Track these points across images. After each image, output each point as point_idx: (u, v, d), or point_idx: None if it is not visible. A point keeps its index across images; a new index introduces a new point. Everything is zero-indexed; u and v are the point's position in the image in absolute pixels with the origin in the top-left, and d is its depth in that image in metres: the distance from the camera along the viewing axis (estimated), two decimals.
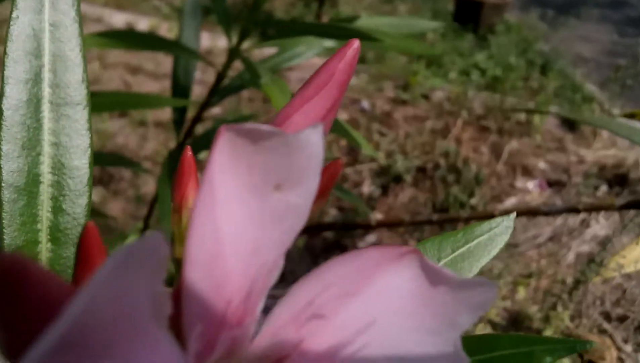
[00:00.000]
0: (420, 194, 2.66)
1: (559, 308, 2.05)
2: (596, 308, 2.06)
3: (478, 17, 4.06)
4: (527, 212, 1.15)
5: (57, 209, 0.32)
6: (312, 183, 0.19)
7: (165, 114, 2.80)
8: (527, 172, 2.76)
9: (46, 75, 0.33)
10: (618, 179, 2.67)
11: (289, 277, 1.56)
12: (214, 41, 3.23)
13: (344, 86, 0.26)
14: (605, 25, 4.85)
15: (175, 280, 0.21)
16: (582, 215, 2.44)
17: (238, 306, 0.18)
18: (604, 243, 2.28)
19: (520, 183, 2.71)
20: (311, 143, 0.18)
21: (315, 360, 0.19)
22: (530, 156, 2.84)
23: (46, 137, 0.32)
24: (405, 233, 2.35)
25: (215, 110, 2.82)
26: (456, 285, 0.20)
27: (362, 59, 3.41)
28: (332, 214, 2.52)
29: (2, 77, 0.32)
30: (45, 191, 0.32)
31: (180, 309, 0.17)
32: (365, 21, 0.96)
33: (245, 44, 0.89)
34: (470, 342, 0.35)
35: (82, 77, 0.33)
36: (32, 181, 0.31)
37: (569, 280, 2.15)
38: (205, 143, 0.91)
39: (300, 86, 0.27)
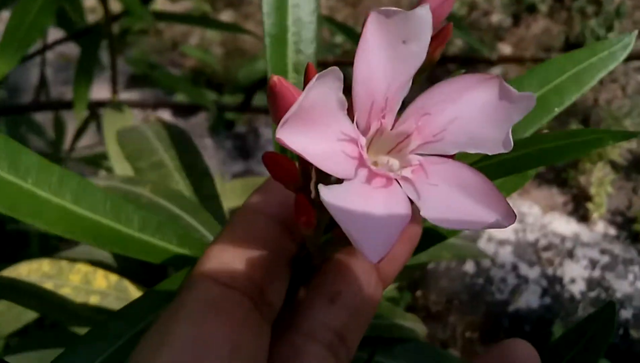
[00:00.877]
0: (554, 26, 2.34)
1: None
2: None
3: None
4: None
5: (297, 50, 0.48)
6: (424, 39, 0.33)
7: None
8: None
9: None
10: None
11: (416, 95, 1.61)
12: None
13: None
14: None
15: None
16: None
17: (382, 106, 0.33)
18: None
19: None
20: (422, 15, 0.32)
21: (425, 136, 0.34)
22: None
23: (289, 1, 0.49)
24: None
25: None
26: (515, 96, 0.33)
27: None
28: (458, 45, 2.37)
29: None
30: (290, 38, 0.49)
31: (352, 107, 0.32)
32: None
33: None
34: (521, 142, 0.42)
35: None
36: (282, 31, 0.48)
37: None
38: None
39: None
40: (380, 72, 0.33)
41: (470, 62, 1.56)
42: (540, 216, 2.12)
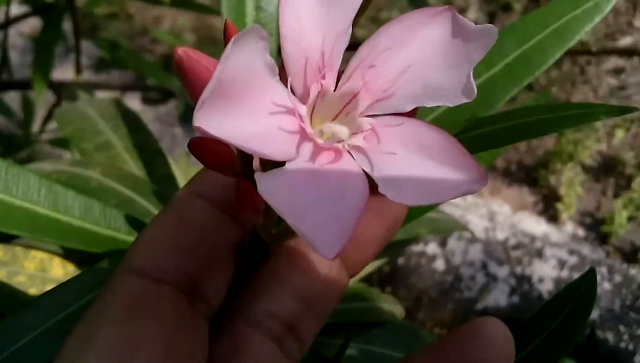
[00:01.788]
0: None
1: None
2: None
3: None
4: None
5: (257, 7, 0.44)
6: None
7: None
8: None
9: None
10: None
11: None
12: None
13: None
14: None
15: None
16: None
17: (320, 64, 0.28)
18: None
19: (639, 22, 2.28)
20: None
21: (374, 93, 0.29)
22: None
23: None
24: None
25: None
26: (474, 32, 0.29)
27: None
28: None
29: None
30: None
31: (284, 70, 0.27)
32: None
33: None
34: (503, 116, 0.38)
35: None
36: None
37: None
38: None
39: None
40: (313, 22, 0.28)
41: None
42: (511, 215, 2.10)
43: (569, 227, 2.06)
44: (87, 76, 2.18)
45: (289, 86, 0.27)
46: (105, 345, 0.28)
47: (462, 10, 2.62)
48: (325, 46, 0.28)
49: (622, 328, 1.76)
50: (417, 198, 0.26)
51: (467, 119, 0.36)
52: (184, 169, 0.81)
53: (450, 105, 0.28)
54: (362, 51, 0.29)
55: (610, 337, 1.76)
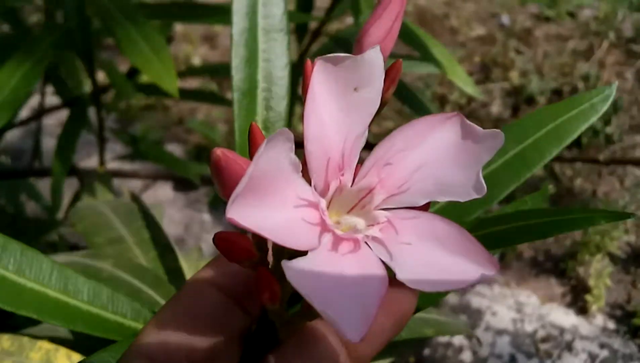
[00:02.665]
0: None
1: None
2: None
3: None
4: None
5: (268, 107, 0.47)
6: (377, 83, 0.31)
7: None
8: None
9: (259, 8, 0.47)
10: None
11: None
12: None
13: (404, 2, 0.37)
14: None
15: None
16: None
17: (339, 162, 0.31)
18: None
19: None
20: (372, 59, 0.31)
21: (389, 189, 0.32)
22: None
23: (260, 55, 0.47)
24: None
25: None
26: (482, 135, 0.32)
27: None
28: None
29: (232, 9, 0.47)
30: (260, 94, 0.47)
31: (306, 167, 0.30)
32: None
33: None
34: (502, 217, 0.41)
35: (284, 10, 0.48)
36: (252, 86, 0.47)
37: None
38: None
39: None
40: (334, 125, 0.31)
41: None
42: (539, 306, 2.07)
43: (599, 320, 2.02)
44: (120, 164, 2.25)
45: (312, 182, 0.30)
46: None
47: (485, 105, 2.67)
48: (345, 147, 0.31)
49: None
50: (432, 285, 0.28)
51: (470, 220, 0.39)
52: (194, 263, 0.83)
53: (462, 201, 0.31)
54: (378, 150, 0.32)
55: None
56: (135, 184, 2.31)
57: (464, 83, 0.96)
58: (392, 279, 0.28)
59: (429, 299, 0.43)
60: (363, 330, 0.25)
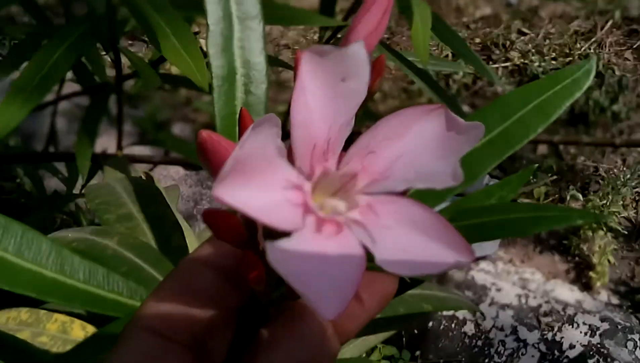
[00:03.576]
0: None
1: None
2: None
3: None
4: None
5: (247, 91, 0.48)
6: (363, 75, 0.32)
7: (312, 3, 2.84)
8: None
9: None
10: None
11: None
12: None
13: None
14: None
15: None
16: None
17: (324, 148, 0.32)
18: None
19: None
20: (357, 51, 0.32)
21: (372, 175, 0.33)
22: None
23: (236, 43, 0.49)
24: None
25: None
26: (463, 127, 0.33)
27: None
28: (465, 110, 2.43)
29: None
30: (239, 79, 0.48)
31: (292, 152, 0.32)
32: None
33: None
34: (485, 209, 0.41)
35: None
36: (230, 72, 0.48)
37: None
38: None
39: None
40: (320, 114, 0.32)
41: None
42: (543, 282, 2.09)
43: (603, 296, 2.04)
44: (131, 147, 2.27)
45: (297, 166, 0.31)
46: None
47: (492, 84, 2.67)
48: (330, 134, 0.32)
49: None
50: (408, 269, 0.29)
51: (454, 209, 0.40)
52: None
53: (439, 188, 0.32)
54: (363, 138, 0.34)
55: None
56: (147, 164, 2.34)
57: None
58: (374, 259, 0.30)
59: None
60: (339, 309, 0.26)
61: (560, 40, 2.73)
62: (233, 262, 0.36)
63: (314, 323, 0.35)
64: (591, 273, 2.04)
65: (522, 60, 2.67)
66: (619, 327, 1.90)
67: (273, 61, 1.33)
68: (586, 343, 1.88)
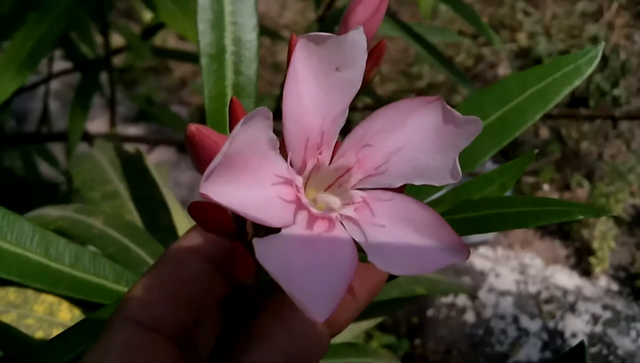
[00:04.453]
0: None
1: None
2: None
3: None
4: None
5: (237, 71, 0.46)
6: (359, 65, 0.31)
7: None
8: None
9: None
10: None
11: None
12: None
13: None
14: None
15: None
16: None
17: (318, 141, 0.31)
18: None
19: None
20: (355, 40, 0.30)
21: (367, 169, 0.32)
22: None
23: (227, 18, 0.46)
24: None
25: None
26: (461, 121, 0.31)
27: None
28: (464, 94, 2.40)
29: None
30: (228, 58, 0.46)
31: (284, 146, 0.30)
32: None
33: None
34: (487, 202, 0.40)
35: None
36: (220, 51, 0.46)
37: None
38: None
39: None
40: (314, 104, 0.31)
41: None
42: (542, 268, 2.08)
43: (603, 281, 2.03)
44: (125, 127, 2.25)
45: (288, 159, 0.30)
46: None
47: (493, 66, 2.65)
48: (324, 126, 0.30)
49: None
50: (402, 269, 0.28)
51: (455, 202, 0.39)
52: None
53: (437, 185, 0.31)
54: (358, 130, 0.32)
55: None
56: (140, 148, 2.33)
57: None
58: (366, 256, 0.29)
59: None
60: (328, 313, 0.25)
61: (568, 21, 2.70)
62: (223, 252, 0.35)
63: (303, 315, 0.33)
64: (591, 259, 2.04)
65: (529, 41, 2.64)
66: (621, 315, 1.90)
67: (272, 35, 1.31)
68: (588, 332, 1.87)
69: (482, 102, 0.46)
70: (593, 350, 1.83)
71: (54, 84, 2.10)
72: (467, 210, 0.36)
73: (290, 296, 0.25)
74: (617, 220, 2.15)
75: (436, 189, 0.44)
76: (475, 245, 2.15)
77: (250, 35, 0.46)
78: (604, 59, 2.48)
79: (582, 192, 2.26)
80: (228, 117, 0.34)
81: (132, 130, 2.40)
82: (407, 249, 0.29)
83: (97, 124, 2.17)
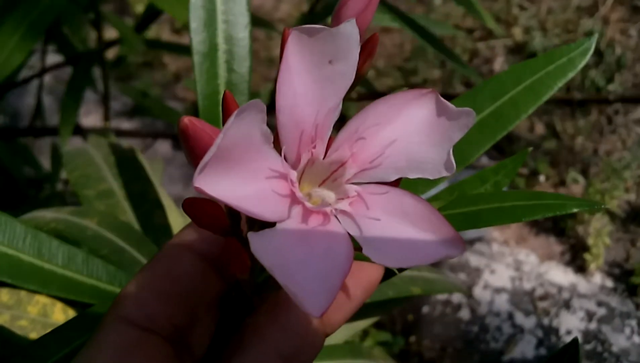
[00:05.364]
0: None
1: None
2: None
3: None
4: None
5: (230, 69, 0.46)
6: (353, 57, 0.30)
7: None
8: None
9: None
10: None
11: None
12: None
13: None
14: None
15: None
16: None
17: (312, 134, 0.30)
18: None
19: None
20: (348, 32, 0.30)
21: (361, 163, 0.31)
22: None
23: (219, 16, 0.46)
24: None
25: None
26: (454, 113, 0.31)
27: None
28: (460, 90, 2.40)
29: None
30: (221, 56, 0.46)
31: (279, 140, 0.30)
32: None
33: None
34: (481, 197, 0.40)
35: None
36: (212, 49, 0.46)
37: None
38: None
39: None
40: (307, 97, 0.30)
41: None
42: (537, 264, 2.08)
43: (597, 278, 2.03)
44: (119, 122, 2.24)
45: (282, 153, 0.29)
46: None
47: (488, 61, 2.65)
48: (318, 119, 0.30)
49: None
50: (398, 261, 0.28)
51: (452, 197, 0.38)
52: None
53: (431, 178, 0.31)
54: (352, 124, 0.32)
55: None
56: (135, 143, 2.32)
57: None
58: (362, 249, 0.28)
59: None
60: (325, 306, 0.25)
61: (563, 15, 2.70)
62: (217, 249, 0.35)
63: (298, 313, 0.34)
64: (586, 255, 2.04)
65: (524, 35, 2.64)
66: (616, 312, 1.90)
67: (266, 25, 1.30)
68: (583, 329, 1.87)
69: (475, 97, 0.46)
70: (587, 347, 1.83)
71: (47, 80, 2.09)
72: (462, 205, 0.36)
73: (286, 289, 0.25)
74: (612, 217, 2.15)
75: (430, 186, 0.44)
76: (471, 242, 2.15)
77: (243, 33, 0.46)
78: (599, 54, 2.49)
79: (577, 188, 2.26)
80: (221, 114, 0.33)
81: (126, 125, 2.39)
82: (402, 242, 0.29)
83: (92, 119, 2.16)
